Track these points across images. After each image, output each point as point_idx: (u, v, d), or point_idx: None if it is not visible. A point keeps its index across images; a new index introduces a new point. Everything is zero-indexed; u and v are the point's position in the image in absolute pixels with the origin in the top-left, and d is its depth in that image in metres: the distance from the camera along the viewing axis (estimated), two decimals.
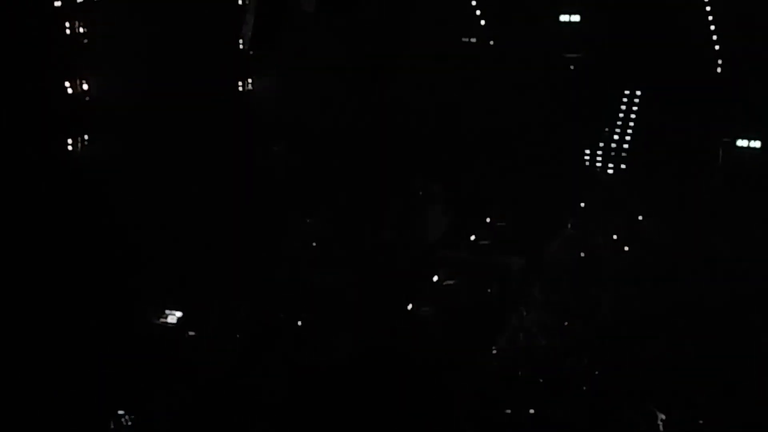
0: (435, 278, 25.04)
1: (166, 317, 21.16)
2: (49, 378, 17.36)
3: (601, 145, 36.04)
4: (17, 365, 17.64)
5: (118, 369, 18.04)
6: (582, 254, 26.37)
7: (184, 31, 25.14)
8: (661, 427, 16.82)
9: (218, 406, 17.69)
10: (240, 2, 26.73)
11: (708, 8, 32.28)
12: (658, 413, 16.96)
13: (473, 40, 36.52)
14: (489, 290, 23.50)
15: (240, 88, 29.70)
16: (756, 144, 33.69)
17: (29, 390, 17.04)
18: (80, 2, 23.21)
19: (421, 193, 32.74)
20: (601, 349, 20.02)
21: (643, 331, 21.00)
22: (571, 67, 35.46)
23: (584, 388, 18.31)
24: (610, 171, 35.70)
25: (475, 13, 35.52)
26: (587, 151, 35.91)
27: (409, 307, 22.69)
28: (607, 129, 36.33)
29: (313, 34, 26.17)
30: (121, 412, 16.36)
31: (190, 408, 17.54)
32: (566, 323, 21.15)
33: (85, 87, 23.58)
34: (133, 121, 23.72)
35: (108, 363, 18.12)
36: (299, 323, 21.30)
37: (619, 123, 36.48)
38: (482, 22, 35.61)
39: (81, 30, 23.50)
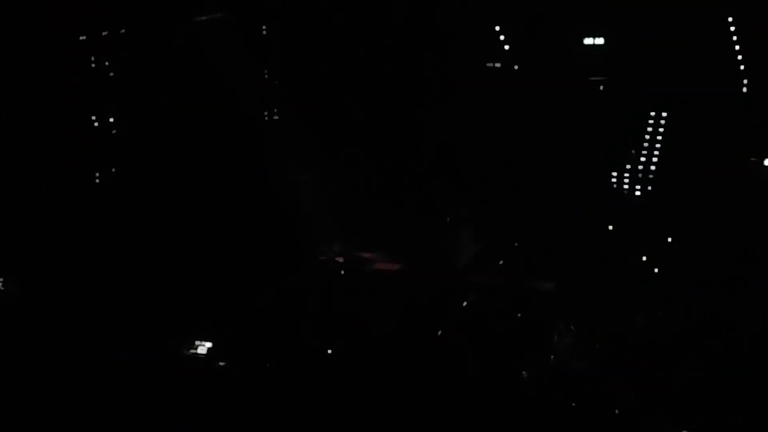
0: (464, 303, 24.99)
1: (195, 348, 21.19)
2: (78, 410, 17.42)
3: (628, 167, 35.92)
4: (44, 392, 17.74)
5: (148, 400, 18.08)
6: (612, 277, 26.22)
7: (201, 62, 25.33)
8: None
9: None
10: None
11: (732, 28, 32.18)
12: None
13: (498, 65, 36.59)
14: (519, 315, 23.38)
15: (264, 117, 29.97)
16: None
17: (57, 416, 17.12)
18: (104, 36, 23.46)
19: (448, 219, 32.76)
20: (634, 372, 19.84)
21: (676, 354, 20.80)
22: (599, 89, 35.43)
23: (617, 411, 18.15)
24: (638, 193, 35.54)
25: (499, 38, 35.61)
26: (614, 174, 35.79)
27: (439, 333, 22.63)
28: (633, 151, 36.20)
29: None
30: None
31: None
32: (597, 347, 20.99)
33: (110, 119, 23.82)
34: (157, 150, 23.90)
35: (137, 394, 18.17)
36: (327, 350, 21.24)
37: (645, 145, 36.35)
38: (506, 47, 35.69)
39: (106, 63, 23.76)
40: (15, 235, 21.20)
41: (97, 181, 23.62)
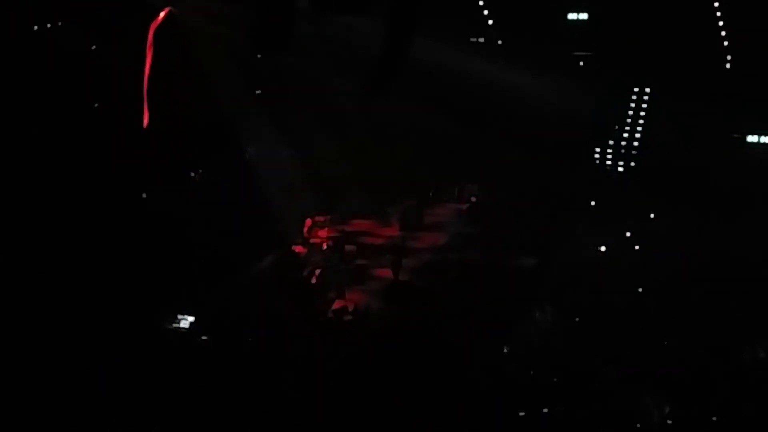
0: (446, 279, 25.05)
1: (178, 322, 21.14)
2: (55, 385, 17.35)
3: (611, 143, 36.00)
4: (21, 368, 17.66)
5: (130, 375, 18.02)
6: (593, 253, 26.32)
7: None
8: (670, 422, 16.75)
9: (231, 410, 17.65)
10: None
11: (716, 3, 32.17)
12: (666, 408, 16.89)
13: (481, 40, 36.52)
14: (500, 291, 23.43)
15: None
16: (766, 139, 33.60)
17: (32, 394, 17.03)
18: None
19: (431, 194, 32.82)
20: (614, 348, 19.94)
21: (656, 330, 20.90)
22: (580, 65, 35.40)
23: (597, 386, 18.22)
24: (621, 169, 35.64)
25: (482, 12, 35.50)
26: (597, 150, 35.85)
27: (419, 309, 22.65)
28: (617, 127, 36.27)
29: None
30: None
31: (204, 413, 17.49)
32: (577, 320, 21.07)
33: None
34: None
35: (119, 369, 18.11)
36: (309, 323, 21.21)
37: (628, 121, 36.42)
38: (490, 22, 35.58)
39: None
40: None
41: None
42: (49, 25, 22.26)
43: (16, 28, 20.60)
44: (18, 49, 20.32)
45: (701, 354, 19.34)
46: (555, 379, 18.41)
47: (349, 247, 26.92)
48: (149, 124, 19.57)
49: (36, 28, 21.90)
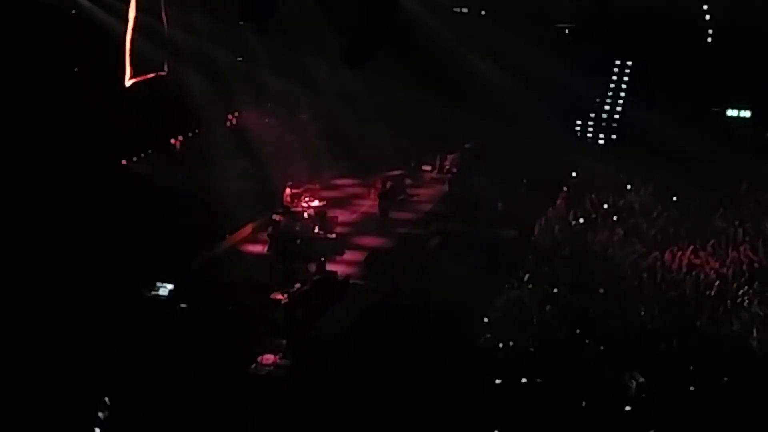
0: (427, 249, 25.15)
1: (157, 290, 21.13)
2: (32, 355, 17.38)
3: (592, 115, 36.13)
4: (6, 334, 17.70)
5: (108, 345, 18.06)
6: (573, 224, 26.45)
7: None
8: (642, 393, 17.00)
9: (215, 382, 17.75)
10: None
11: None
12: (641, 378, 17.12)
13: (465, 10, 36.49)
14: (480, 261, 23.54)
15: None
16: (746, 114, 33.80)
17: (12, 362, 17.07)
18: None
19: (412, 164, 32.87)
20: (592, 319, 20.13)
21: (633, 300, 21.10)
22: (564, 32, 35.45)
23: (575, 356, 18.43)
24: (601, 141, 35.81)
25: None
26: (578, 122, 35.99)
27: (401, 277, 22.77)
28: (598, 99, 36.40)
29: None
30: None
31: (184, 385, 17.58)
32: (556, 291, 21.22)
33: None
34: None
35: (97, 339, 18.16)
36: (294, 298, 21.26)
37: (610, 94, 36.55)
38: None
39: None
40: None
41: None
42: None
43: None
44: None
45: (679, 325, 19.58)
46: (532, 349, 18.61)
47: (330, 216, 26.93)
48: (132, 83, 19.44)
49: None
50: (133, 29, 19.12)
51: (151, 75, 20.36)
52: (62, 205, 21.19)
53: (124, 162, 26.13)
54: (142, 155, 26.98)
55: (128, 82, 19.61)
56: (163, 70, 20.37)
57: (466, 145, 33.70)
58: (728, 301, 20.78)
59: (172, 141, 28.84)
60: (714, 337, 19.05)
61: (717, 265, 22.95)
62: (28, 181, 20.47)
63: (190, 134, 29.25)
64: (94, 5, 23.32)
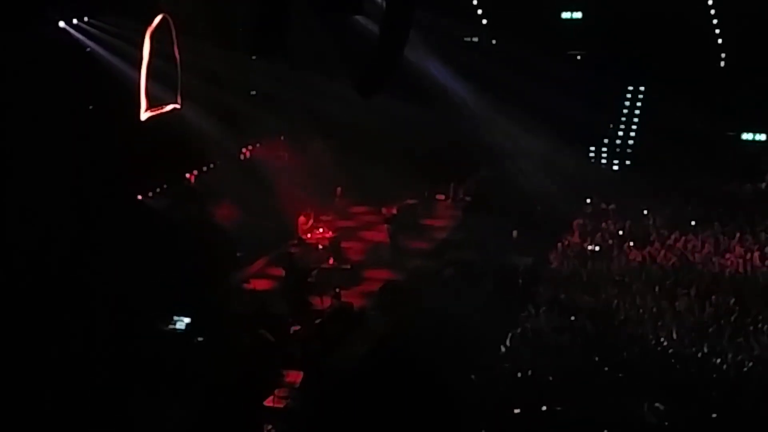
0: (442, 278, 25.06)
1: (174, 324, 21.16)
2: (49, 390, 17.37)
3: (606, 141, 36.09)
4: (18, 369, 17.69)
5: (125, 379, 18.07)
6: (589, 251, 26.34)
7: None
8: (663, 420, 16.82)
9: (231, 415, 17.71)
10: None
11: (710, 1, 32.27)
12: (660, 406, 16.94)
13: (475, 39, 36.60)
14: (496, 290, 23.46)
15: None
16: (761, 137, 33.69)
17: (30, 397, 17.06)
18: None
19: (426, 193, 32.85)
20: (611, 346, 19.98)
21: (652, 327, 20.96)
22: (576, 60, 35.48)
23: (594, 384, 18.28)
24: (616, 167, 35.72)
25: (476, 12, 35.58)
26: (592, 148, 35.94)
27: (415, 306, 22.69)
28: (611, 125, 36.37)
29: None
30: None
31: (201, 417, 17.55)
32: (573, 318, 21.08)
33: None
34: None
35: (114, 373, 18.16)
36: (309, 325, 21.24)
37: (623, 119, 36.52)
38: (484, 22, 35.66)
39: None
40: None
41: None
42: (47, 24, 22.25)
43: (16, 26, 20.58)
44: (17, 45, 20.29)
45: (699, 351, 19.40)
46: (550, 378, 18.47)
47: (344, 247, 26.92)
48: (147, 117, 19.59)
49: (35, 26, 21.90)
50: (149, 63, 19.32)
51: (166, 108, 20.53)
52: (78, 240, 21.23)
53: (139, 197, 26.17)
54: (158, 190, 27.01)
55: (144, 116, 19.80)
56: (177, 103, 20.54)
57: (479, 174, 33.67)
58: (751, 327, 20.58)
59: (187, 176, 28.92)
60: (735, 362, 18.84)
61: (735, 290, 22.77)
62: (43, 216, 20.53)
63: (204, 168, 29.32)
64: (109, 36, 23.52)
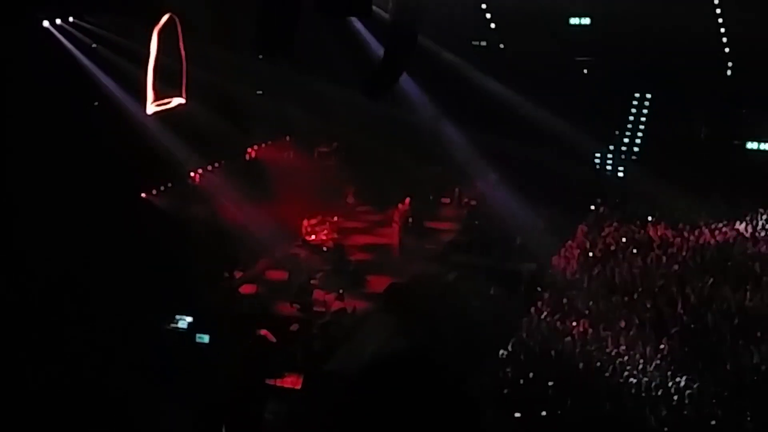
0: (445, 281, 25.06)
1: (176, 323, 21.16)
2: (51, 390, 17.37)
3: (612, 148, 36.01)
4: (19, 370, 17.70)
5: (127, 378, 18.07)
6: (592, 257, 26.29)
7: None
8: (664, 426, 16.78)
9: (233, 415, 17.70)
10: None
11: (718, 10, 32.18)
12: (663, 412, 16.92)
13: (483, 43, 36.54)
14: (499, 294, 23.43)
15: None
16: (766, 147, 33.59)
17: (30, 396, 17.06)
18: None
19: (431, 197, 32.82)
20: (614, 351, 19.94)
21: (655, 332, 20.92)
22: (584, 71, 35.42)
23: (595, 389, 18.25)
24: (621, 174, 35.65)
25: (485, 16, 35.52)
26: (598, 155, 35.86)
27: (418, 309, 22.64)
28: (617, 132, 36.29)
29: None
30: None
31: (203, 418, 17.54)
32: (575, 324, 21.06)
33: None
34: None
35: (116, 372, 18.16)
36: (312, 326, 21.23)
37: (629, 126, 36.44)
38: (492, 26, 35.60)
39: None
40: None
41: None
42: (55, 22, 22.30)
43: (22, 24, 20.64)
44: (23, 45, 20.34)
45: (698, 354, 19.38)
46: (551, 383, 18.44)
47: (348, 249, 26.91)
48: (152, 112, 19.62)
49: (42, 24, 21.96)
50: (156, 58, 19.35)
51: (172, 103, 20.53)
52: (81, 238, 21.25)
53: (143, 195, 26.18)
54: (162, 188, 27.03)
55: (150, 110, 19.81)
56: (182, 97, 20.55)
57: (484, 178, 33.61)
58: (756, 334, 20.53)
59: (192, 174, 28.93)
60: (738, 365, 18.85)
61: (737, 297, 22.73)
62: (45, 214, 20.56)
63: (209, 167, 29.33)
64: (115, 35, 23.55)
